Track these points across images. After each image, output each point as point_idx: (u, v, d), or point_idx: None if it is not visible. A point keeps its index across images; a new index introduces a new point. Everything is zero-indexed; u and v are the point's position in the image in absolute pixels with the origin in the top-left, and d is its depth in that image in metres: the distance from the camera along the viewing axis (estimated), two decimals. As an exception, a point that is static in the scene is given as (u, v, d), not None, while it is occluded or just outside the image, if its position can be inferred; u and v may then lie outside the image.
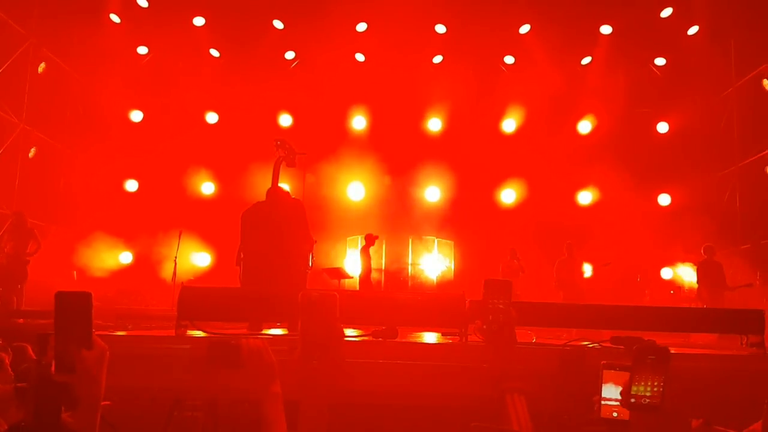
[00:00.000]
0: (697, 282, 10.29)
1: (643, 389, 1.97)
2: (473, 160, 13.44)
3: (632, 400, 1.95)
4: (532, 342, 4.62)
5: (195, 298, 3.87)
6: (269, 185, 6.11)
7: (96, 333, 1.53)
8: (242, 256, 5.68)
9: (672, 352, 4.18)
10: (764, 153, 11.79)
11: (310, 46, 13.11)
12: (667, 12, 11.67)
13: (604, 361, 2.24)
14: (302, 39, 13.05)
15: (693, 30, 11.89)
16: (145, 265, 12.40)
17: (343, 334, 1.85)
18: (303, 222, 5.81)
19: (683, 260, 12.06)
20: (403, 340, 4.07)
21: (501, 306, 2.65)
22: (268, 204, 5.80)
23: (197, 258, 13.06)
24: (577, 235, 12.58)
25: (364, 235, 11.51)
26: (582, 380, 3.65)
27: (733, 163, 12.56)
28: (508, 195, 14.12)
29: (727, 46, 11.41)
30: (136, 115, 13.86)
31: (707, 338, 6.94)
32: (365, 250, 11.15)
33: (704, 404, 3.53)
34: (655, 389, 1.97)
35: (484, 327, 2.63)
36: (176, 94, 13.18)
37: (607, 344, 4.38)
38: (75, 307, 1.48)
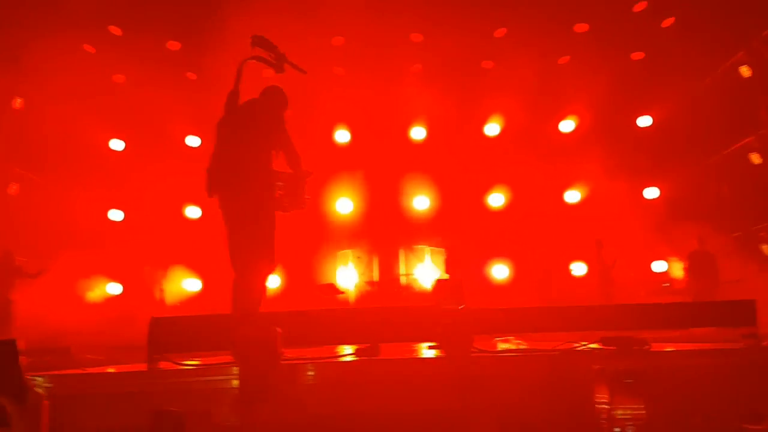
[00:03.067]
0: (688, 273, 10.27)
1: (623, 412, 1.92)
2: (459, 166, 13.42)
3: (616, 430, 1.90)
4: (521, 348, 4.52)
5: (166, 329, 3.76)
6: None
7: (65, 372, 1.44)
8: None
9: (663, 350, 4.08)
10: (747, 140, 11.82)
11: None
12: (641, 6, 11.69)
13: (597, 366, 2.19)
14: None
15: (668, 22, 11.91)
16: (135, 294, 12.30)
17: (285, 368, 1.76)
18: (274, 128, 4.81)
19: (674, 252, 12.05)
20: (385, 358, 3.98)
21: (454, 309, 2.57)
22: (231, 110, 4.78)
23: (187, 284, 12.94)
24: (568, 233, 12.58)
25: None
26: (573, 385, 3.57)
27: (718, 152, 12.57)
28: (497, 199, 14.11)
29: (703, 36, 11.41)
30: (117, 144, 13.78)
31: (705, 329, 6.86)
32: None
33: (703, 400, 3.46)
34: (636, 412, 1.92)
35: (443, 340, 2.56)
36: (156, 120, 13.09)
37: (597, 345, 4.29)
38: (-2, 358, 1.38)
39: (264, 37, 4.93)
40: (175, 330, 3.91)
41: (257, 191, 4.51)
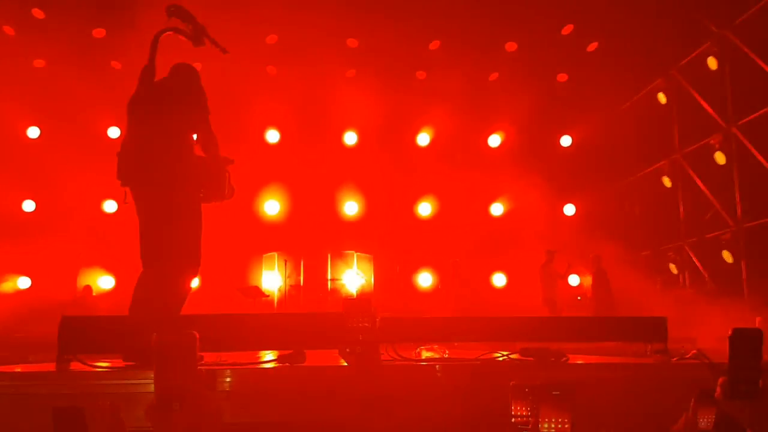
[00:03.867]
0: (593, 289, 10.83)
1: (548, 427, 1.95)
2: (390, 173, 13.53)
3: None
4: (443, 357, 4.59)
5: (78, 328, 3.59)
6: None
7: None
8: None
9: (579, 362, 4.21)
10: (660, 164, 12.52)
11: (217, 57, 12.73)
12: (568, 30, 12.17)
13: (513, 382, 2.22)
14: (208, 50, 12.67)
15: (592, 47, 12.46)
16: (47, 289, 11.69)
17: (203, 375, 1.73)
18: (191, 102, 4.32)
19: (584, 268, 12.58)
20: (310, 365, 3.93)
21: (365, 325, 2.59)
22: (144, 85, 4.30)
23: (101, 281, 12.42)
24: (492, 245, 12.91)
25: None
26: (491, 395, 3.65)
27: (633, 174, 13.26)
28: (425, 208, 14.35)
29: (624, 62, 12.01)
30: (33, 132, 13.10)
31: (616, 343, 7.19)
32: None
33: (612, 414, 3.61)
34: (560, 426, 1.95)
35: (347, 350, 2.57)
36: (76, 109, 12.51)
37: (517, 356, 4.39)
38: None
39: (182, 7, 4.47)
40: (88, 330, 3.73)
41: (179, 179, 4.07)
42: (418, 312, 11.94)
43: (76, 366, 3.61)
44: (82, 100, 12.37)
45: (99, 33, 12.55)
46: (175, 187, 4.01)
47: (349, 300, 2.75)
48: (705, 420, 1.96)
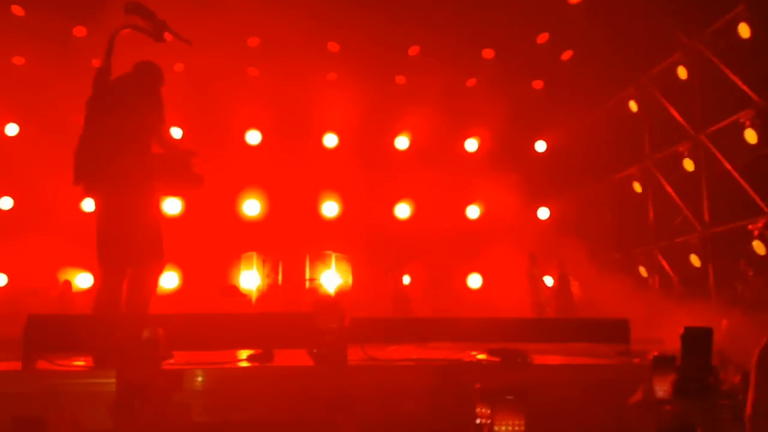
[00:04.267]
0: (555, 293, 11.11)
1: (503, 429, 2.03)
2: (369, 175, 13.65)
3: None
4: (411, 358, 4.71)
5: (46, 327, 3.65)
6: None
7: None
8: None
9: (544, 363, 4.37)
10: (631, 170, 12.78)
11: (198, 58, 12.78)
12: (543, 38, 12.41)
13: (479, 385, 2.28)
14: (190, 50, 12.67)
15: (567, 55, 12.72)
16: (22, 287, 11.64)
17: (170, 374, 1.83)
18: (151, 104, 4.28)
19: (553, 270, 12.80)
20: (279, 365, 4.02)
21: (333, 326, 2.71)
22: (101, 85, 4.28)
23: (80, 279, 12.37)
24: (468, 248, 13.09)
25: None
26: (458, 395, 3.78)
27: (604, 179, 13.52)
28: (403, 210, 14.54)
29: (597, 70, 12.25)
30: (12, 129, 13.02)
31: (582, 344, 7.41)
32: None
33: (576, 413, 3.76)
34: (515, 428, 2.03)
35: (314, 351, 2.67)
36: (55, 107, 12.45)
37: (484, 357, 4.54)
38: None
39: (140, 3, 4.43)
40: (55, 329, 3.76)
41: (136, 177, 4.05)
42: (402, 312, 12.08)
43: (42, 365, 3.62)
44: (62, 98, 12.29)
45: (80, 31, 12.52)
46: (132, 185, 4.00)
47: (318, 301, 2.85)
48: (663, 389, 2.02)
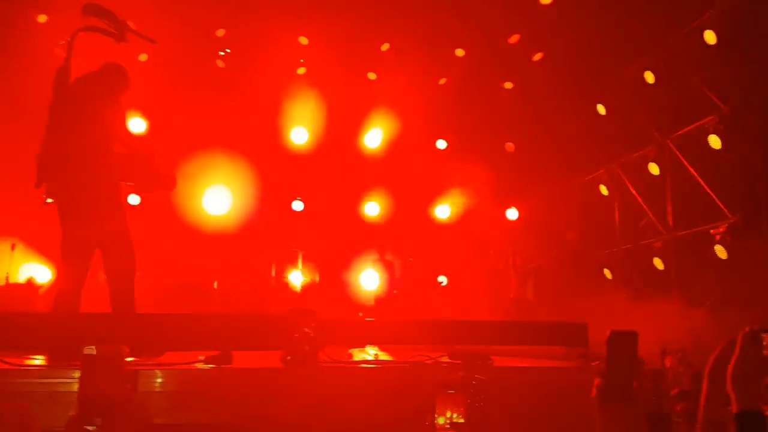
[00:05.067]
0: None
1: (443, 420, 2.05)
2: (339, 172, 13.59)
3: None
4: (373, 360, 4.68)
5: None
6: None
7: None
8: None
9: (504, 366, 4.37)
10: (598, 173, 12.92)
11: (164, 51, 12.55)
12: (514, 38, 12.46)
13: (436, 382, 2.30)
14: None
15: (537, 56, 12.78)
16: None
17: (130, 395, 1.75)
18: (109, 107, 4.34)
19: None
20: (237, 367, 3.96)
21: (308, 332, 2.66)
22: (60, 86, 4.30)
23: (35, 272, 12.00)
24: (436, 247, 13.12)
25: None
26: (418, 397, 3.76)
27: (572, 181, 13.65)
28: (372, 208, 14.50)
29: (567, 71, 12.32)
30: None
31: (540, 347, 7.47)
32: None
33: (532, 415, 3.76)
34: (455, 419, 2.05)
35: (288, 358, 2.63)
36: (19, 95, 12.07)
37: (445, 358, 4.53)
38: None
39: (99, 5, 4.48)
40: (5, 326, 3.65)
41: (100, 179, 4.19)
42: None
43: None
44: (26, 86, 11.92)
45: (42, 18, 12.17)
46: (96, 186, 4.11)
47: (293, 306, 2.82)
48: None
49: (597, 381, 1.79)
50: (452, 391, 2.11)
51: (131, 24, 4.54)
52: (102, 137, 4.22)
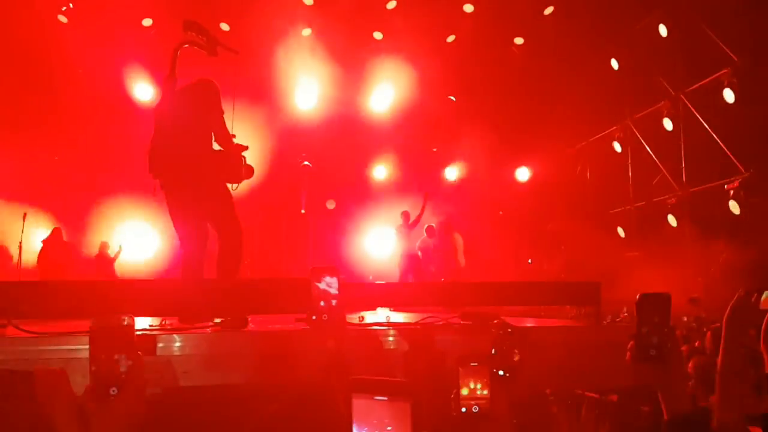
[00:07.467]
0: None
1: (467, 392, 2.02)
2: (344, 136, 13.44)
3: (462, 409, 2.00)
4: (385, 323, 4.69)
5: (12, 294, 3.54)
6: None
7: None
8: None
9: (521, 326, 4.34)
10: (611, 129, 12.75)
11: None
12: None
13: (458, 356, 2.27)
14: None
15: (548, 11, 12.45)
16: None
17: (142, 362, 1.74)
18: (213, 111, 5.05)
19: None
20: (253, 329, 3.99)
21: (333, 291, 2.65)
22: (167, 96, 5.04)
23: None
24: (448, 208, 13.05)
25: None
26: (431, 359, 3.78)
27: (585, 139, 13.48)
28: (380, 171, 14.47)
29: (579, 25, 12.01)
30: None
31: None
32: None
33: (541, 374, 3.78)
34: (479, 393, 2.02)
35: (313, 318, 2.62)
36: (19, 57, 11.97)
37: (457, 320, 4.53)
38: None
39: (196, 22, 5.17)
40: (24, 296, 3.67)
41: (204, 170, 4.84)
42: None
43: (11, 332, 3.56)
44: (28, 50, 11.80)
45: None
46: (202, 176, 4.82)
47: (317, 268, 2.82)
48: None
49: (630, 344, 1.77)
50: (475, 364, 2.09)
51: (220, 38, 5.25)
52: (206, 138, 4.92)
